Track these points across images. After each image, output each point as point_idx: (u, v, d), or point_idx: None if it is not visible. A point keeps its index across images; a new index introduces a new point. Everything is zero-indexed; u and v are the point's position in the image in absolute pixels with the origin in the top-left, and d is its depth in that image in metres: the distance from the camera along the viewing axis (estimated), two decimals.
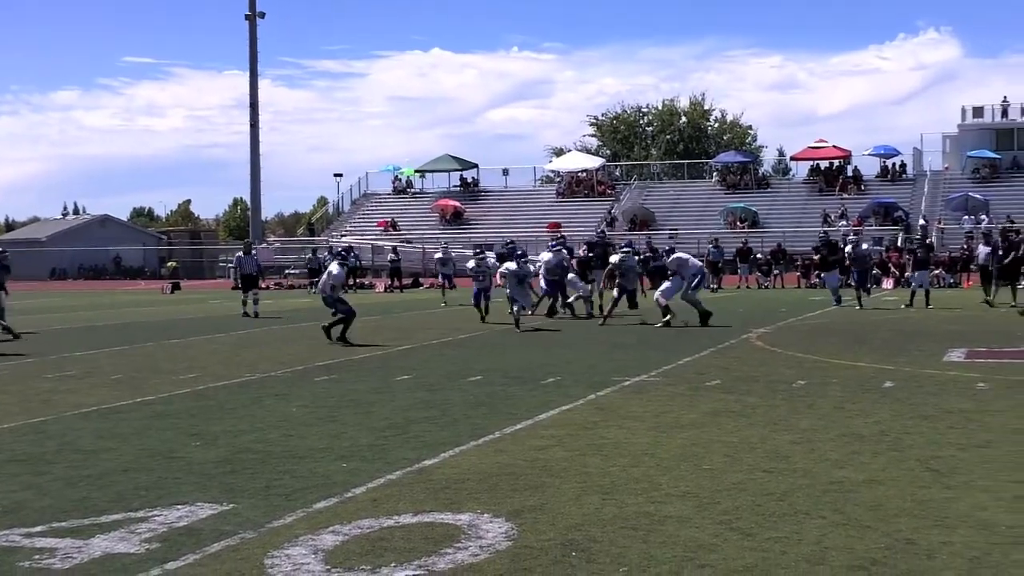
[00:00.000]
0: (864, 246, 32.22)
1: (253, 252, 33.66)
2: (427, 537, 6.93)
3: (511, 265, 24.38)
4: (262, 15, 75.77)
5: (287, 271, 64.97)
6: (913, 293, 29.66)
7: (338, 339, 20.62)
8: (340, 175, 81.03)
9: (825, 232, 32.46)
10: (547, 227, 63.73)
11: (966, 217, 57.20)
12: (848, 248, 30.39)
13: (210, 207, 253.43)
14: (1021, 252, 29.62)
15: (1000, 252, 29.67)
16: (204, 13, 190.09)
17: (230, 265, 30.52)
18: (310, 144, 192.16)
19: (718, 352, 18.33)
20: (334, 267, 21.84)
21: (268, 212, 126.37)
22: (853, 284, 30.53)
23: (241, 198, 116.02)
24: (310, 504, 7.87)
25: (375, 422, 11.54)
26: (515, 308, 23.59)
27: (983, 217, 55.67)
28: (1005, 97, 72.63)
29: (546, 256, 26.90)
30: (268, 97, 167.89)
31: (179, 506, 7.83)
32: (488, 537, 6.91)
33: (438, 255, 37.48)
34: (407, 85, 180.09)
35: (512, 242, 37.54)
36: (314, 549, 6.71)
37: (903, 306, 29.00)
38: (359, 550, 6.68)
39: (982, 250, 30.51)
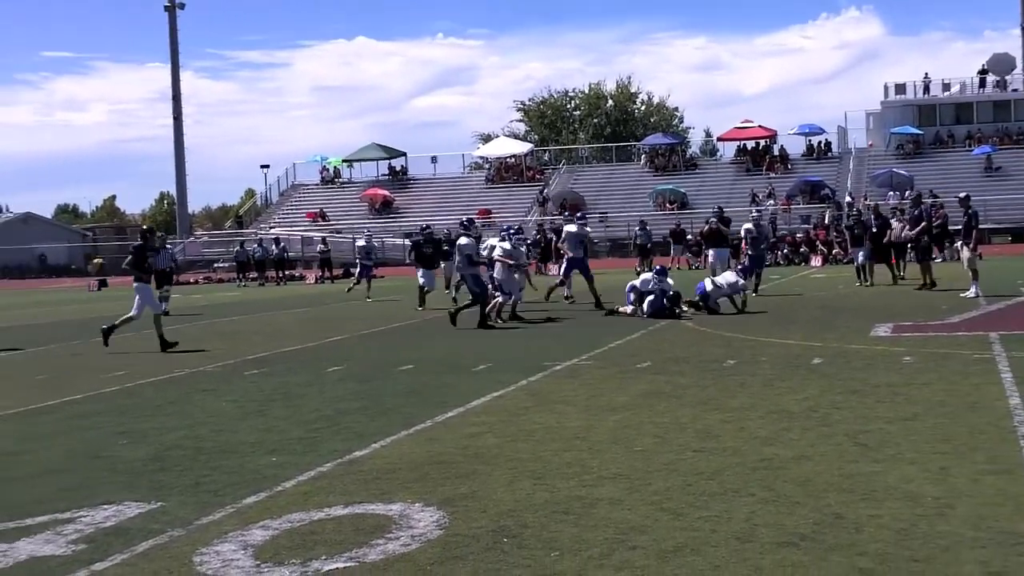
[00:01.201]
0: (764, 223, 30.85)
1: (168, 246, 33.13)
2: (358, 528, 6.89)
3: (505, 245, 22.98)
4: (182, 6, 75.19)
5: (215, 265, 64.51)
6: (859, 270, 29.82)
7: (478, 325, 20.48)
8: (267, 166, 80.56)
9: (719, 208, 31.80)
10: (477, 213, 63.76)
11: (891, 193, 57.84)
12: (748, 226, 27.55)
13: (136, 202, 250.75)
14: (936, 223, 29.74)
15: (874, 229, 29.43)
16: (123, 5, 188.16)
17: None
18: (236, 136, 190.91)
19: (649, 334, 18.39)
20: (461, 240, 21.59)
21: (195, 205, 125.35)
22: (745, 266, 27.24)
23: (167, 192, 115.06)
24: (240, 499, 7.78)
25: (306, 415, 11.46)
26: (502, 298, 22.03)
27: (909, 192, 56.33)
28: (926, 74, 73.84)
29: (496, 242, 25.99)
30: (191, 89, 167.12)
31: (106, 506, 7.72)
32: (419, 526, 6.87)
33: (360, 243, 35.40)
34: (331, 74, 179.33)
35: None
36: (244, 544, 6.64)
37: (857, 284, 29.02)
38: (289, 544, 6.62)
39: (895, 226, 30.70)
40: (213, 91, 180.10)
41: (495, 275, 21.84)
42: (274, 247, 54.03)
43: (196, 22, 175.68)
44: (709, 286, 21.98)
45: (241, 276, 52.72)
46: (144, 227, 21.09)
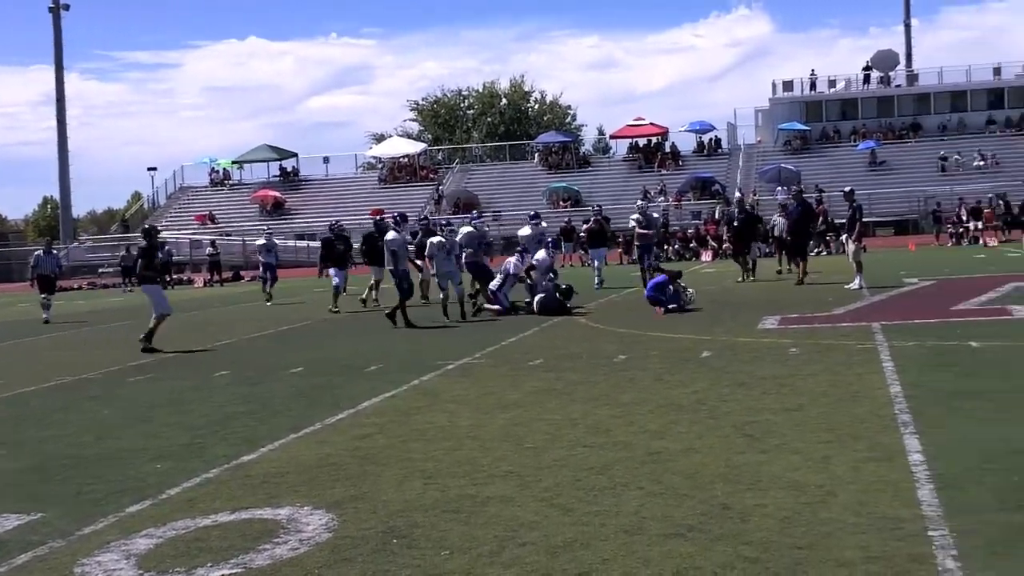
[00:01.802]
0: (656, 215, 30.47)
1: (54, 251, 32.10)
2: (245, 534, 6.81)
3: (466, 229, 22.91)
4: (66, 7, 73.92)
5: (101, 270, 63.44)
6: (749, 265, 30.04)
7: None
8: (154, 169, 79.58)
9: (599, 207, 31.69)
10: (370, 213, 63.55)
11: (779, 188, 58.67)
12: (636, 216, 27.62)
13: (20, 207, 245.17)
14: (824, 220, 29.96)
15: (736, 224, 29.52)
16: (7, 7, 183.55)
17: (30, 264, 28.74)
18: (124, 138, 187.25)
19: (542, 331, 18.44)
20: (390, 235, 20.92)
21: (80, 209, 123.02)
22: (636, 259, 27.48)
23: (51, 196, 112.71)
24: (123, 508, 7.65)
25: (192, 420, 11.30)
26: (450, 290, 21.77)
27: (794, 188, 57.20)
28: (813, 70, 75.00)
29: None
30: (78, 91, 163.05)
31: None
32: (308, 530, 6.81)
33: (260, 241, 33.25)
34: (223, 75, 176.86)
35: (426, 218, 33.93)
36: (127, 554, 6.53)
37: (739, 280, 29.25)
38: (173, 552, 6.52)
39: (779, 221, 31.04)
40: (101, 93, 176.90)
41: (434, 269, 21.72)
42: (159, 251, 53.12)
43: (84, 23, 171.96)
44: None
45: (127, 281, 51.83)
46: (146, 226, 20.58)
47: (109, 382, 14.94)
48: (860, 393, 10.63)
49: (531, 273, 22.25)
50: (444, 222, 25.27)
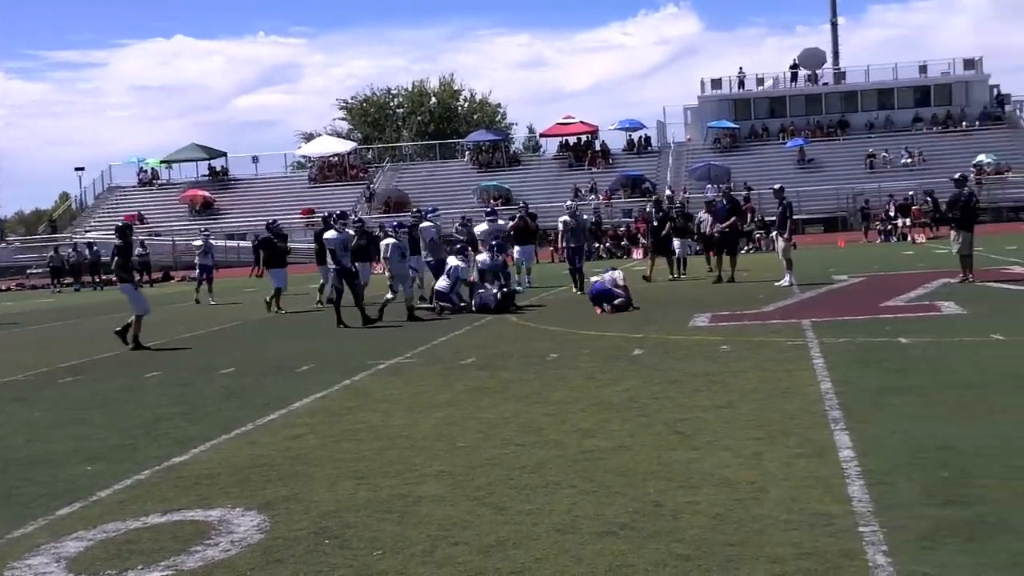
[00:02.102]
0: (585, 217, 29.71)
1: None
2: (176, 536, 6.75)
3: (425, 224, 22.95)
4: None
5: (29, 271, 62.63)
6: (679, 263, 30.20)
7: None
8: (82, 169, 78.12)
9: (525, 204, 31.53)
10: (301, 213, 63.36)
11: (709, 186, 59.07)
12: (566, 217, 26.62)
13: None
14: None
15: (655, 223, 29.45)
16: None
17: None
18: (50, 138, 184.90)
19: (474, 330, 18.45)
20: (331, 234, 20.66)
21: (7, 211, 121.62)
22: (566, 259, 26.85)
23: None
24: (53, 511, 7.56)
25: (123, 422, 11.18)
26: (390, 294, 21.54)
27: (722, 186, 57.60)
28: (741, 68, 75.67)
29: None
30: (3, 91, 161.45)
31: None
32: (239, 531, 6.77)
33: (197, 242, 32.37)
34: (150, 74, 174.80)
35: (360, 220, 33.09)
36: (57, 557, 6.46)
37: (671, 278, 29.33)
38: (104, 555, 6.46)
39: (705, 219, 31.20)
40: (26, 92, 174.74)
41: (390, 268, 21.35)
42: (87, 251, 52.66)
43: (9, 22, 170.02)
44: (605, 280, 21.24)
45: (56, 282, 51.29)
46: (120, 224, 20.06)
47: (39, 384, 14.75)
48: (791, 390, 10.72)
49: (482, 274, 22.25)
50: (396, 223, 24.79)
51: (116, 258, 18.93)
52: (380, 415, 10.66)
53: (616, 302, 20.23)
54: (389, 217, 52.50)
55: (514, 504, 7.02)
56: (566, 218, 26.66)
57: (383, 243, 21.89)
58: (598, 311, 20.10)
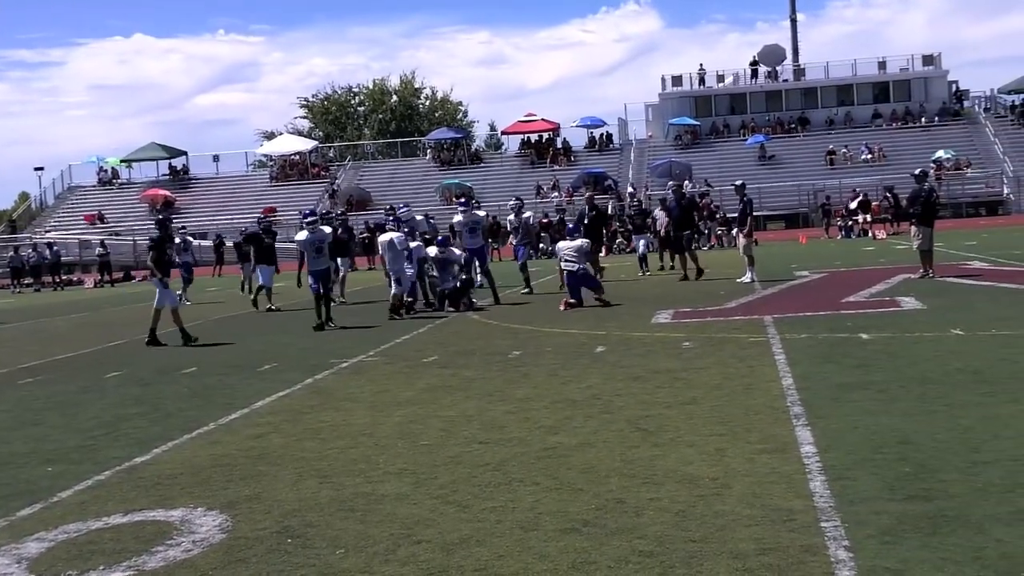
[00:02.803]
0: (528, 214, 29.39)
1: None
2: (138, 536, 6.72)
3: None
4: None
5: None
6: (641, 260, 30.25)
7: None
8: (41, 169, 77.45)
9: (477, 202, 31.24)
10: (263, 212, 62.97)
11: (670, 183, 59.19)
12: (511, 217, 27.26)
13: None
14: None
15: (586, 220, 28.96)
16: None
17: None
18: (8, 138, 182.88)
19: (436, 328, 18.42)
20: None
21: None
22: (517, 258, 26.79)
23: None
24: (13, 512, 7.52)
25: (83, 423, 11.11)
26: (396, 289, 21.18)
27: (687, 182, 57.83)
28: (701, 65, 75.97)
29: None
30: None
31: None
32: (201, 531, 6.74)
33: (176, 240, 30.29)
34: (109, 73, 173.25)
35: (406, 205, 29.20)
36: (17, 559, 6.42)
37: (639, 275, 29.28)
38: (66, 555, 6.42)
39: (660, 217, 31.13)
40: None
41: (389, 265, 21.04)
42: (47, 251, 52.28)
43: None
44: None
45: (16, 283, 50.95)
46: (160, 217, 19.64)
47: None
48: (753, 386, 10.77)
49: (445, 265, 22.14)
50: (393, 219, 24.51)
51: (150, 251, 18.71)
52: (343, 414, 10.63)
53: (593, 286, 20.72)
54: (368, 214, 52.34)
55: (477, 502, 7.02)
56: (511, 217, 27.07)
57: (381, 239, 21.65)
58: (562, 307, 20.12)
